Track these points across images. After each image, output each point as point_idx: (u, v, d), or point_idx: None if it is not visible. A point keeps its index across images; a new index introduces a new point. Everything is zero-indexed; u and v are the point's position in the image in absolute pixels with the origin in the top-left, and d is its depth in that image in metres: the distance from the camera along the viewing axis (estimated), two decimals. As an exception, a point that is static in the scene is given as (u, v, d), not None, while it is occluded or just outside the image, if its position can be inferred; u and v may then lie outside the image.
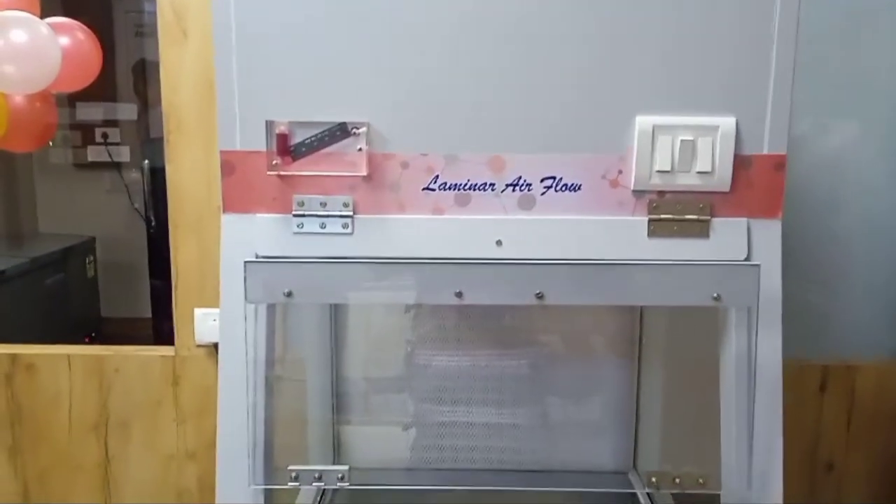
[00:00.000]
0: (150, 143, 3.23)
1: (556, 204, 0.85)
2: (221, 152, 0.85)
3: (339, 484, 0.87)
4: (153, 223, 2.98)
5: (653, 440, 1.25)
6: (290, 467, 0.87)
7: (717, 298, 0.82)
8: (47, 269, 2.80)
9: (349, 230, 0.86)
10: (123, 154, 3.41)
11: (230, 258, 0.86)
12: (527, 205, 0.85)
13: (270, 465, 0.86)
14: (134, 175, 3.38)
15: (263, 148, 0.84)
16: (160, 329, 2.84)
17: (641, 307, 1.26)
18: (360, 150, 0.84)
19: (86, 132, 3.40)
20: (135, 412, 1.58)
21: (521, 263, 0.84)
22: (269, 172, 0.84)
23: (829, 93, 1.52)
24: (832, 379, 1.53)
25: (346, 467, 0.87)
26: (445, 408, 1.35)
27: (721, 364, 0.85)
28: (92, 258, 3.16)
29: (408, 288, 0.86)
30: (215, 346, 1.56)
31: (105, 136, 3.39)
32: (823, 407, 1.53)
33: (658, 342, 1.25)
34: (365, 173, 0.84)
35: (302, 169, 0.85)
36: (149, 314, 3.13)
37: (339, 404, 1.43)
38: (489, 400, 1.34)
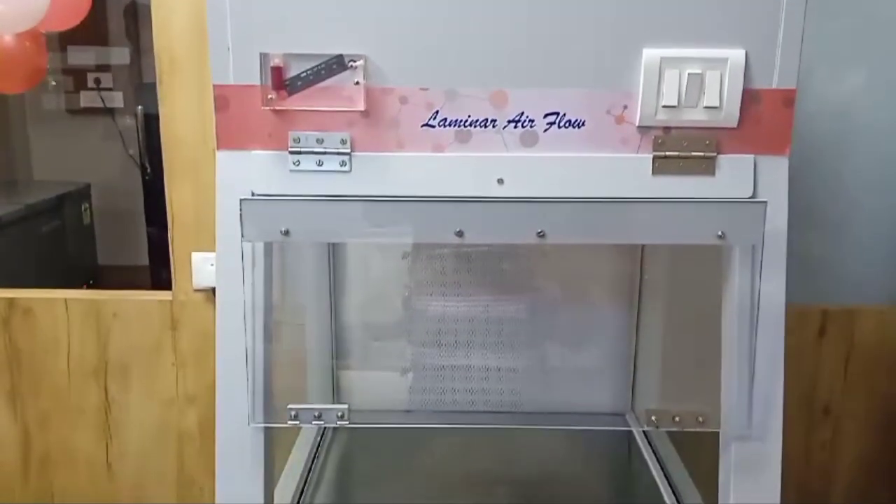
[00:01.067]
0: (143, 88, 3.18)
1: (559, 141, 0.83)
2: (215, 86, 0.83)
3: (338, 423, 0.86)
4: (148, 170, 2.95)
5: (651, 382, 1.26)
6: (290, 406, 0.86)
7: (722, 237, 0.80)
8: (43, 216, 2.78)
9: (347, 168, 0.84)
10: (116, 100, 3.36)
11: (225, 196, 0.84)
12: (529, 142, 0.83)
13: (270, 405, 0.86)
14: (128, 121, 3.34)
15: (258, 82, 0.82)
16: (158, 277, 2.84)
17: (642, 249, 1.25)
18: (358, 83, 0.81)
19: (78, 77, 3.34)
20: (134, 356, 1.58)
21: (523, 201, 0.82)
22: (263, 107, 0.82)
23: (839, 42, 1.49)
24: (832, 323, 1.53)
25: (345, 406, 0.87)
26: (444, 352, 1.35)
27: (723, 303, 0.84)
28: (87, 205, 3.14)
29: (407, 227, 0.84)
30: (213, 290, 1.55)
31: (97, 81, 3.33)
32: (822, 351, 1.53)
33: (658, 285, 1.25)
34: (362, 108, 0.82)
35: (298, 104, 0.82)
36: (146, 262, 3.13)
37: (338, 350, 1.43)
38: (488, 343, 1.34)
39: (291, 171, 0.84)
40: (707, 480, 1.00)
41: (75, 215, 3.05)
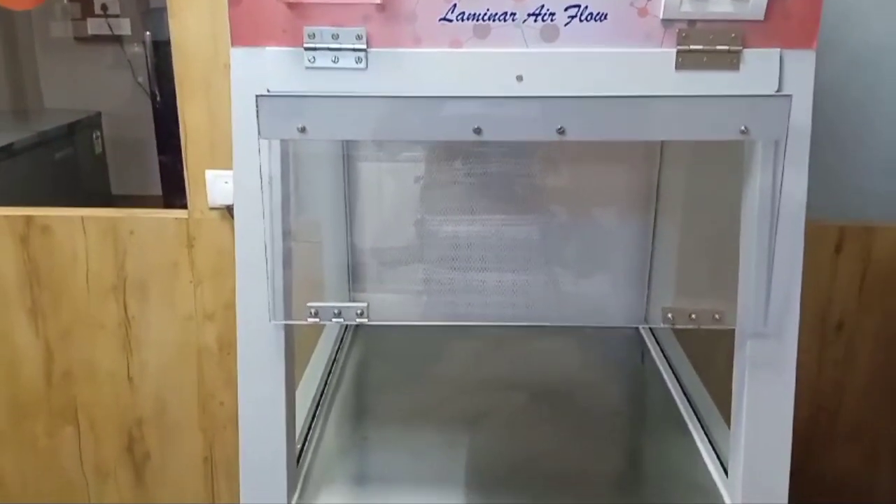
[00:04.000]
0: (150, 14, 3.12)
1: (581, 35, 0.81)
2: (227, -21, 0.81)
3: (357, 320, 0.87)
4: (158, 98, 2.93)
5: (666, 291, 1.26)
6: (309, 304, 0.87)
7: (745, 132, 0.79)
8: (55, 144, 2.78)
9: (363, 65, 0.82)
10: (124, 27, 3.31)
11: (241, 94, 0.83)
12: (549, 36, 0.81)
13: (290, 303, 0.87)
14: (136, 49, 3.29)
15: (271, -27, 0.80)
16: (171, 206, 2.84)
17: (661, 154, 1.23)
18: (374, -26, 0.79)
19: (85, 4, 3.28)
20: (151, 274, 1.59)
21: (543, 97, 0.81)
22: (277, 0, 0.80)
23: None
24: (849, 240, 1.52)
25: (364, 304, 0.87)
26: (458, 271, 1.36)
27: (743, 200, 0.83)
28: (99, 134, 3.13)
29: (424, 124, 0.83)
30: (228, 208, 1.55)
31: (104, 7, 3.27)
32: (838, 268, 1.53)
33: (675, 197, 1.24)
34: (378, 0, 0.80)
35: (312, -3, 0.80)
36: (159, 192, 3.13)
37: (354, 274, 1.44)
38: (502, 258, 1.34)
39: (307, 68, 0.83)
40: (719, 389, 1.02)
41: (87, 143, 3.04)
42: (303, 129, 0.81)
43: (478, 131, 0.81)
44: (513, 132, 0.83)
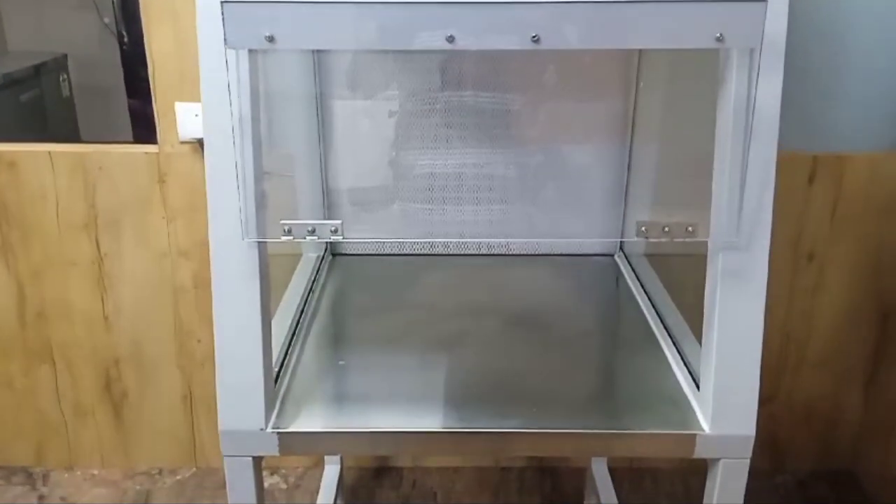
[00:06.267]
0: (115, -50, 3.01)
1: (555, -60, 0.79)
2: None
3: (332, 237, 0.87)
4: (125, 39, 2.84)
5: (641, 214, 1.27)
6: (283, 221, 0.86)
7: (720, 39, 0.78)
8: (21, 86, 2.70)
9: (331, -29, 0.80)
10: (88, -36, 3.19)
11: (206, 4, 0.81)
12: (523, -58, 0.79)
13: (263, 220, 0.86)
14: (101, -11, 3.19)
15: None
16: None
17: (637, 80, 1.23)
18: None
19: (45, -60, 3.15)
20: (123, 210, 1.57)
21: (517, 3, 0.79)
22: None
23: None
24: (821, 170, 1.52)
25: (339, 221, 0.87)
26: (436, 203, 1.36)
27: (718, 110, 0.83)
28: (65, 76, 3.04)
29: (396, 32, 0.81)
30: (199, 142, 1.53)
31: (66, -55, 3.15)
32: (810, 198, 1.54)
33: (651, 119, 1.24)
34: None
35: None
36: (131, 139, 3.06)
37: (329, 207, 1.43)
38: (480, 188, 1.34)
39: (273, -26, 0.80)
40: (693, 315, 1.03)
41: (53, 86, 2.95)
42: (271, 38, 0.79)
43: (451, 39, 0.79)
44: (487, 41, 0.81)
